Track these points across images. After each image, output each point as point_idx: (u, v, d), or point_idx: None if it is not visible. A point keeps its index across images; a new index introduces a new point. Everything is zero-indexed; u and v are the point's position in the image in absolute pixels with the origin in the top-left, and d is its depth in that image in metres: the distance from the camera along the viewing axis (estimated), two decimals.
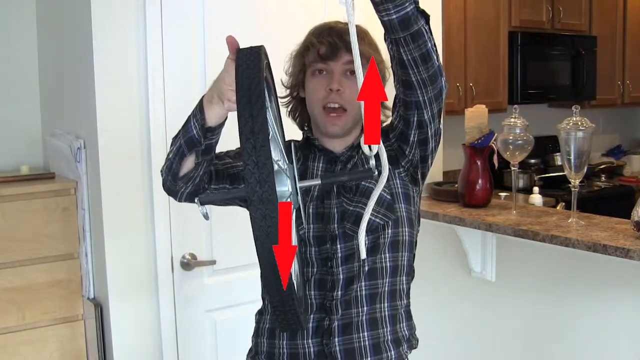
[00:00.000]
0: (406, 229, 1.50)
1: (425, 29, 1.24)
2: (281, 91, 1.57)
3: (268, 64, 1.22)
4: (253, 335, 1.60)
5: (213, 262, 2.39)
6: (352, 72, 1.45)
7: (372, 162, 1.11)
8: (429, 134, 1.43)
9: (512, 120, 2.44)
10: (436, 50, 1.29)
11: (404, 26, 1.21)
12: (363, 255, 1.16)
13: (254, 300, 1.61)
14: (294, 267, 1.27)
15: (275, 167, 1.13)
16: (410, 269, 1.55)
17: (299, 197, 1.16)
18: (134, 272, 2.27)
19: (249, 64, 1.05)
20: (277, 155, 1.16)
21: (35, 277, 2.30)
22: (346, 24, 1.46)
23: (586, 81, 4.41)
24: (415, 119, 1.39)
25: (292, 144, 1.58)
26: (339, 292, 1.46)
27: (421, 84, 1.31)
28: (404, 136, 1.44)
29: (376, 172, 1.12)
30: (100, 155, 2.18)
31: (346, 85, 1.45)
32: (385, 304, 1.48)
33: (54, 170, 2.56)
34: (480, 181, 2.54)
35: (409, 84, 1.32)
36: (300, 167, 1.54)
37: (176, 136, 1.38)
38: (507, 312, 2.56)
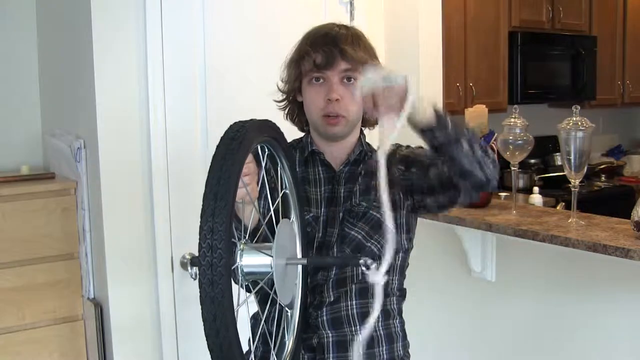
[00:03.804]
0: (400, 254, 1.53)
1: (461, 155, 1.27)
2: (277, 96, 1.57)
3: (273, 129, 1.24)
4: (248, 338, 1.60)
5: None
6: (349, 79, 1.45)
7: (363, 268, 1.15)
8: (454, 206, 1.48)
9: (512, 120, 2.43)
10: (480, 166, 1.31)
11: (438, 151, 1.28)
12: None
13: (253, 300, 1.61)
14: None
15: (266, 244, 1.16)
16: (401, 291, 1.57)
17: (287, 271, 1.19)
18: (134, 272, 2.26)
19: (227, 151, 1.02)
20: (292, 216, 1.18)
21: (35, 277, 2.30)
22: (341, 27, 1.47)
23: (586, 81, 4.41)
24: (450, 194, 1.42)
25: (293, 146, 1.58)
26: (324, 310, 1.46)
27: (464, 187, 1.36)
28: (434, 192, 1.46)
29: (362, 260, 1.16)
30: (100, 155, 2.18)
31: (344, 93, 1.45)
32: (380, 323, 1.49)
33: (54, 170, 2.56)
34: None
35: (454, 184, 1.37)
36: (302, 171, 1.54)
37: None
38: (507, 312, 2.56)
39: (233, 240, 1.06)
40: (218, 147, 1.04)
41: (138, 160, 2.25)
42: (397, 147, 1.56)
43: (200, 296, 0.96)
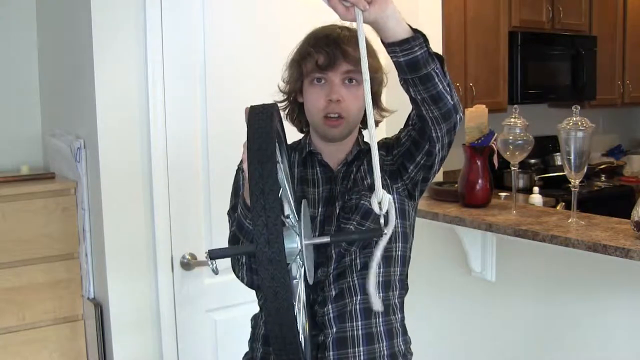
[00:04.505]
0: (399, 244, 1.51)
1: (436, 72, 1.24)
2: (279, 96, 1.57)
3: (280, 120, 1.24)
4: (249, 339, 1.60)
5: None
6: (350, 80, 1.46)
7: (382, 220, 1.13)
8: (436, 161, 1.45)
9: (512, 120, 2.43)
10: (451, 89, 1.29)
11: (412, 69, 1.22)
12: (378, 307, 1.16)
13: (254, 300, 1.61)
14: (303, 326, 1.28)
15: (288, 222, 1.16)
16: (403, 284, 1.56)
17: (308, 252, 1.17)
18: (134, 272, 2.27)
19: (260, 123, 1.06)
20: (287, 210, 1.18)
21: (35, 277, 2.30)
22: (343, 28, 1.47)
23: (586, 81, 4.41)
24: (426, 148, 1.41)
25: (292, 147, 1.59)
26: (330, 307, 1.46)
27: (434, 120, 1.33)
28: (411, 155, 1.46)
29: (385, 230, 1.14)
30: (100, 155, 2.18)
31: (345, 94, 1.45)
32: (380, 319, 1.49)
33: (54, 170, 2.56)
34: (480, 181, 2.53)
35: (422, 118, 1.34)
36: (300, 171, 1.55)
37: (233, 226, 1.45)
38: (507, 312, 2.56)
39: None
40: (250, 120, 1.07)
41: (138, 160, 2.25)
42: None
43: (258, 256, 0.95)
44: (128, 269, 2.25)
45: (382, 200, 1.12)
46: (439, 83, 1.25)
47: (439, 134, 1.36)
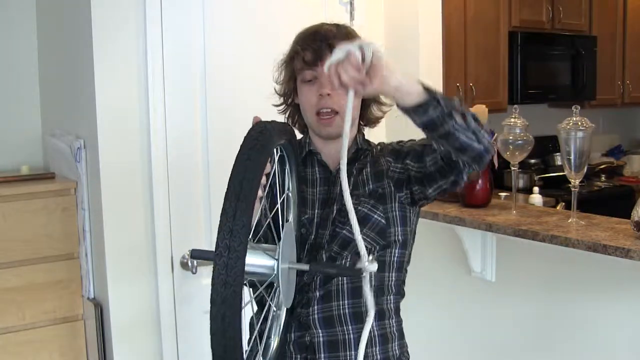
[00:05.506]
0: (397, 250, 1.50)
1: (456, 128, 1.23)
2: (276, 100, 1.57)
3: (292, 132, 1.25)
4: (248, 339, 1.61)
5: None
6: None
7: (364, 264, 1.15)
8: (458, 187, 1.44)
9: (512, 120, 2.43)
10: (477, 136, 1.27)
11: (431, 129, 1.23)
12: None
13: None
14: (281, 336, 1.31)
15: (287, 224, 1.16)
16: (399, 289, 1.54)
17: (287, 276, 1.19)
18: (134, 272, 2.27)
19: (250, 154, 1.02)
20: (290, 216, 1.20)
21: (35, 277, 2.30)
22: (331, 25, 1.48)
23: (586, 81, 4.41)
24: (452, 179, 1.39)
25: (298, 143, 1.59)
26: (314, 308, 1.46)
27: (465, 163, 1.32)
28: (434, 180, 1.43)
29: (364, 273, 1.15)
30: (100, 155, 2.18)
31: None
32: (374, 324, 1.47)
33: (54, 170, 2.56)
34: (480, 181, 2.53)
35: (453, 161, 1.33)
36: (301, 170, 1.55)
37: None
38: (507, 312, 2.56)
39: None
40: (242, 147, 1.04)
41: (138, 160, 2.25)
42: (385, 144, 1.57)
43: (212, 295, 0.96)
44: (128, 269, 2.25)
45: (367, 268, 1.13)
46: (460, 136, 1.24)
47: (469, 169, 1.35)
